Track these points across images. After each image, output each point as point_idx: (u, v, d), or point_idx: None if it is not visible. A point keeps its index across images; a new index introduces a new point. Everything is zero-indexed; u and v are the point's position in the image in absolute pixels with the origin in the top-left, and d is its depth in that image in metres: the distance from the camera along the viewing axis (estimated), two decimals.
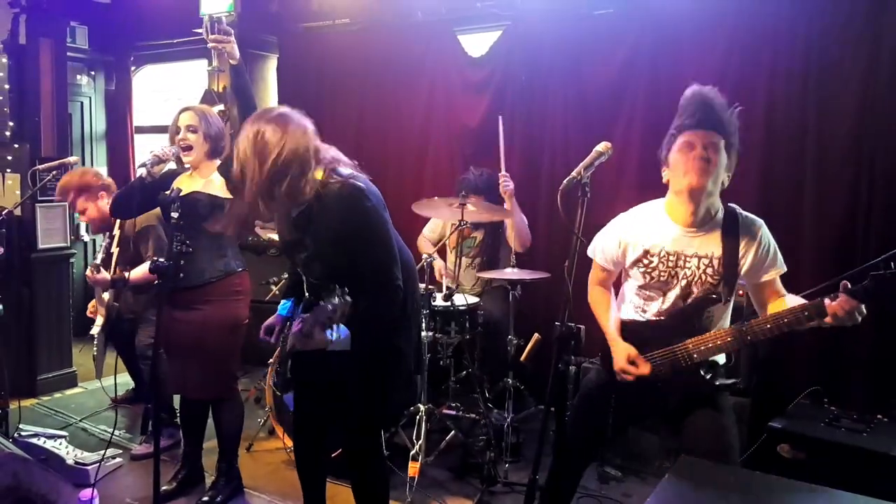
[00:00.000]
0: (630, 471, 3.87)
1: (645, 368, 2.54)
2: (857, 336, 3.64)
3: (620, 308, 2.75)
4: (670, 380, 2.54)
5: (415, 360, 2.83)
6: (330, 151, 2.56)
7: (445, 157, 5.20)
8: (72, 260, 5.49)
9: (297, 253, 2.65)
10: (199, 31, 3.40)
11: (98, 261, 3.99)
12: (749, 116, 3.99)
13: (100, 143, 7.00)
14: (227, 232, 3.24)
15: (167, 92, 7.19)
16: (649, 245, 2.58)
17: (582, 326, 2.49)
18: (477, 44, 5.17)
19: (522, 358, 4.01)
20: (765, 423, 3.22)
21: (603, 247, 2.73)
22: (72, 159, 4.47)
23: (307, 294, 2.72)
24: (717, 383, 2.52)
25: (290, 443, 3.94)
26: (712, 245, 2.50)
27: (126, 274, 3.86)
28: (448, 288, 4.16)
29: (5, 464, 1.27)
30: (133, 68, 6.89)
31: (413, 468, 3.62)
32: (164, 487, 3.51)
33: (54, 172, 4.36)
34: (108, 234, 4.17)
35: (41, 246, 5.17)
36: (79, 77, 6.68)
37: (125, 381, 4.76)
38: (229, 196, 3.13)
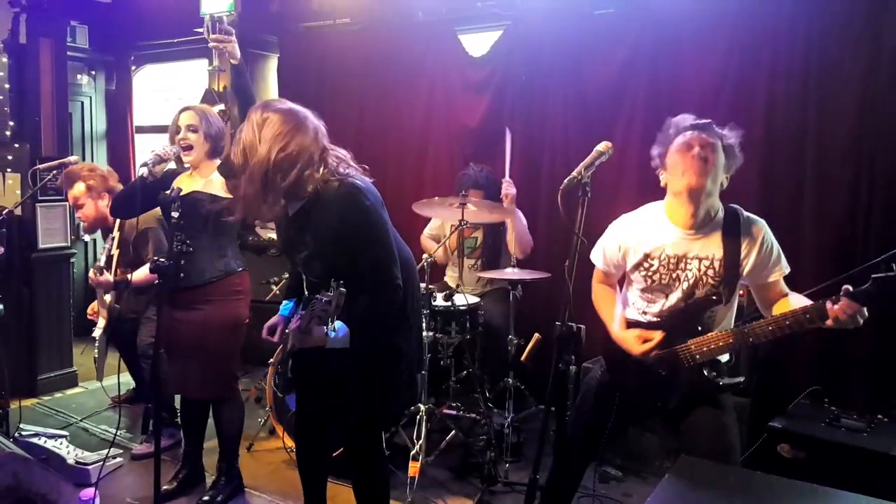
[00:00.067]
0: (630, 470, 3.87)
1: (657, 335, 2.54)
2: (858, 336, 3.61)
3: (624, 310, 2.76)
4: (673, 378, 2.54)
5: (416, 360, 2.83)
6: (339, 152, 2.57)
7: (446, 157, 5.20)
8: (72, 260, 5.49)
9: (296, 252, 2.64)
10: (200, 30, 3.40)
11: (102, 263, 3.99)
12: (749, 116, 4.01)
13: (100, 142, 7.00)
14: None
15: (167, 91, 7.19)
16: (650, 249, 2.58)
17: (582, 326, 2.49)
18: (477, 43, 5.17)
19: (523, 358, 4.01)
20: (765, 422, 3.22)
21: (604, 252, 2.73)
22: (72, 159, 4.47)
23: (307, 293, 2.72)
24: (721, 383, 2.52)
25: (290, 442, 3.94)
26: (713, 247, 2.50)
27: (129, 276, 3.86)
28: (449, 287, 4.17)
29: (6, 463, 1.27)
30: (133, 68, 6.89)
31: (413, 468, 3.62)
32: (164, 487, 3.51)
33: (54, 172, 4.36)
34: (109, 236, 4.17)
35: (41, 246, 5.17)
36: (79, 77, 6.68)
37: (125, 380, 4.76)
38: (230, 196, 3.13)
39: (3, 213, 4.26)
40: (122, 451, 4.14)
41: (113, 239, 4.07)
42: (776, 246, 2.51)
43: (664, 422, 2.87)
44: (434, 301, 4.02)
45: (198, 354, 3.36)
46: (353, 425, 2.77)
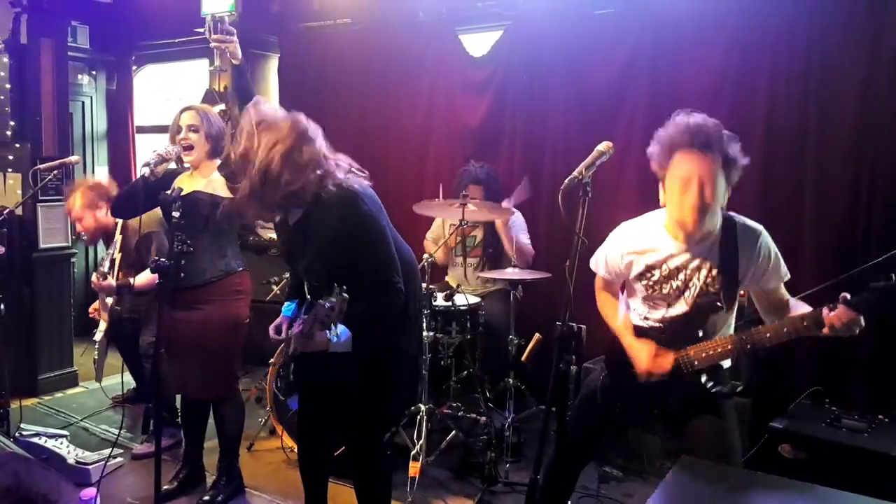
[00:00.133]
0: (631, 471, 3.86)
1: (667, 362, 2.51)
2: (858, 337, 3.60)
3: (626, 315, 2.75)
4: (671, 384, 2.53)
5: (417, 360, 2.83)
6: (338, 158, 2.57)
7: (446, 157, 5.20)
8: (73, 259, 5.49)
9: (297, 258, 2.67)
10: (201, 30, 3.40)
11: (105, 268, 3.99)
12: (749, 116, 4.01)
13: (101, 142, 7.00)
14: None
15: (168, 91, 7.19)
16: (651, 260, 2.57)
17: (583, 326, 2.48)
18: (478, 43, 5.17)
19: (523, 358, 4.01)
20: (766, 423, 3.22)
21: (605, 260, 2.72)
22: (73, 159, 4.47)
23: (309, 296, 2.72)
24: (714, 390, 2.51)
25: (290, 442, 3.94)
26: (712, 255, 2.49)
27: (131, 280, 3.87)
28: (450, 287, 4.17)
29: (6, 463, 1.27)
30: (134, 68, 6.89)
31: (414, 468, 3.62)
32: (164, 487, 3.51)
33: (55, 172, 4.36)
34: (111, 241, 4.17)
35: (42, 245, 5.18)
36: (80, 77, 6.68)
37: (126, 380, 4.75)
38: (230, 195, 3.13)
39: (4, 212, 4.26)
40: (122, 450, 4.14)
41: (115, 243, 4.08)
42: (775, 252, 2.49)
43: (665, 425, 2.87)
44: (435, 301, 4.02)
45: (198, 354, 3.36)
46: (353, 425, 2.78)
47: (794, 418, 3.25)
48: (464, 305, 4.04)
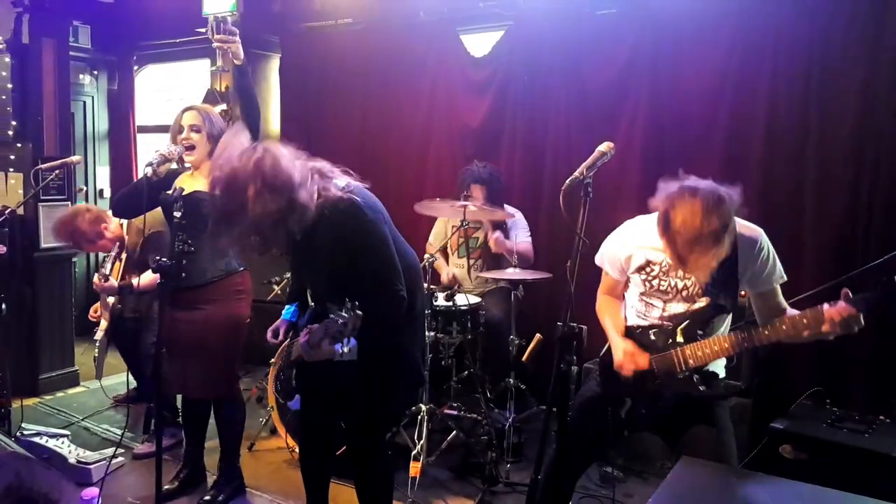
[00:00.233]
0: (632, 471, 3.87)
1: (642, 360, 2.52)
2: (859, 337, 3.59)
3: (624, 314, 2.75)
4: (665, 387, 2.53)
5: (419, 361, 2.83)
6: (320, 166, 2.54)
7: (447, 157, 5.21)
8: (74, 259, 5.50)
9: (304, 269, 2.70)
10: (202, 30, 3.41)
11: (107, 270, 3.99)
12: (750, 117, 4.01)
13: (102, 142, 7.01)
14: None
15: (170, 91, 7.20)
16: (652, 255, 2.57)
17: (584, 327, 2.48)
18: (479, 44, 5.17)
19: (524, 358, 4.01)
20: (766, 423, 3.22)
21: (609, 255, 2.72)
22: (74, 159, 4.47)
23: (312, 303, 2.73)
24: (704, 391, 2.50)
25: (291, 442, 3.94)
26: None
27: (133, 281, 3.86)
28: (450, 287, 4.17)
29: (8, 463, 1.27)
30: (136, 68, 6.89)
31: (414, 468, 3.62)
32: (165, 487, 3.52)
33: (57, 172, 4.36)
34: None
35: (43, 245, 5.18)
36: (81, 76, 6.69)
37: (126, 380, 4.77)
38: None
39: (6, 212, 4.26)
40: (123, 450, 4.15)
41: (120, 244, 4.08)
42: (773, 255, 2.50)
43: (661, 435, 2.86)
44: (435, 301, 4.02)
45: (199, 354, 3.36)
46: (354, 425, 2.78)
47: (795, 419, 3.25)
48: (464, 305, 4.04)
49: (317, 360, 2.47)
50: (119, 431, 4.37)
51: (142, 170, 3.11)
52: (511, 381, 4.12)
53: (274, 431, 4.26)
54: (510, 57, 4.90)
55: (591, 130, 4.42)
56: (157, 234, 3.87)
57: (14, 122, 5.10)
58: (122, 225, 4.13)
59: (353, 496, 2.90)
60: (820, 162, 3.87)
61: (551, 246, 4.67)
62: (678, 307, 2.55)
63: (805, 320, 2.30)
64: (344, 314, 2.25)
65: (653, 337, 2.58)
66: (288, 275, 4.07)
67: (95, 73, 6.84)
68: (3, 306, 4.10)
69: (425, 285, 3.62)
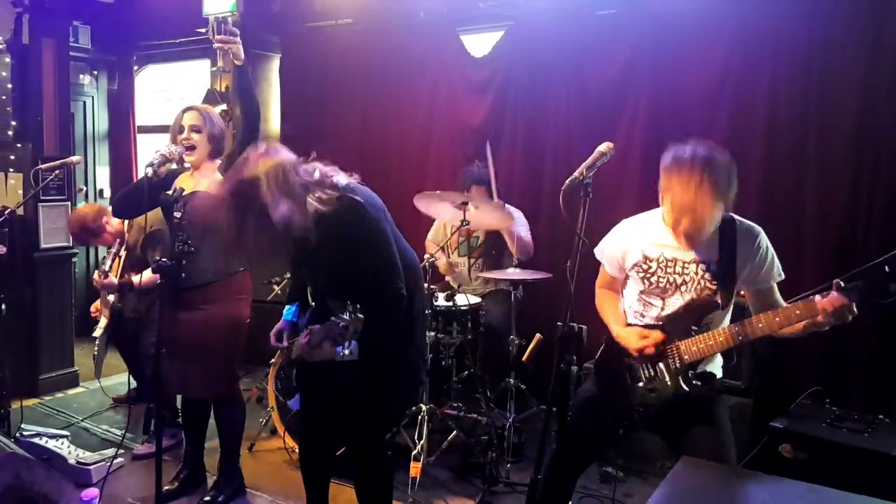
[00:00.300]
0: (632, 471, 3.86)
1: (656, 334, 2.52)
2: (859, 336, 3.64)
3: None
4: (662, 385, 2.53)
5: (419, 361, 2.84)
6: (316, 168, 2.55)
7: (448, 157, 5.21)
8: (74, 259, 5.50)
9: (303, 267, 2.69)
10: (202, 30, 3.40)
11: (107, 267, 3.99)
12: (750, 116, 4.01)
13: (102, 142, 7.01)
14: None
15: (170, 92, 7.19)
16: (649, 251, 2.58)
17: (584, 327, 2.47)
18: (479, 44, 5.17)
19: (524, 358, 4.00)
20: (766, 423, 3.22)
21: (607, 252, 2.73)
22: (74, 159, 4.47)
23: (312, 302, 2.73)
24: (700, 386, 2.50)
25: (291, 443, 3.94)
26: (710, 252, 2.50)
27: (134, 279, 3.87)
28: (451, 287, 4.16)
29: (8, 463, 1.28)
30: (136, 68, 6.90)
31: (415, 468, 3.62)
32: (165, 487, 3.52)
33: (57, 172, 4.36)
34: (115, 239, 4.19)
35: (43, 245, 5.18)
36: (81, 76, 6.69)
37: (127, 380, 4.77)
38: None
39: (6, 212, 4.27)
40: (123, 451, 4.15)
41: (120, 241, 4.08)
42: (772, 253, 2.50)
43: (660, 436, 2.86)
44: (436, 301, 4.02)
45: (199, 354, 3.36)
46: (354, 426, 2.78)
47: (795, 418, 3.24)
48: (465, 306, 4.04)
49: (317, 360, 2.47)
50: (119, 432, 4.37)
51: (142, 170, 3.11)
52: (511, 381, 4.12)
53: (274, 432, 4.26)
54: (510, 57, 4.90)
55: (591, 130, 4.43)
56: (158, 231, 3.88)
57: (14, 123, 5.10)
58: (122, 221, 4.14)
59: (353, 496, 2.90)
60: (820, 162, 3.87)
61: (551, 246, 4.67)
62: (676, 304, 2.55)
63: (798, 311, 2.31)
64: (345, 317, 2.26)
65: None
66: (288, 275, 4.07)
67: (95, 73, 6.84)
68: (3, 306, 4.10)
69: (425, 285, 3.63)
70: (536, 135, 4.82)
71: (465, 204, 3.91)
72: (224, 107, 5.41)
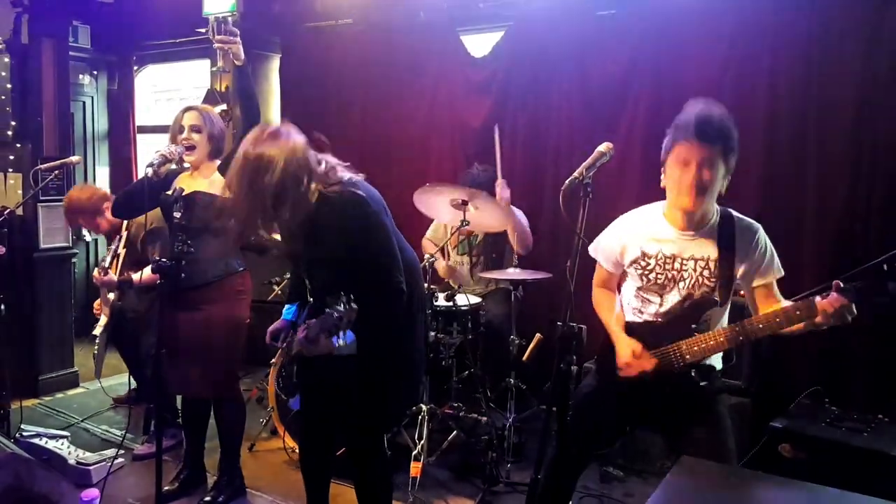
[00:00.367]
0: (632, 470, 3.87)
1: (649, 363, 2.52)
2: (859, 336, 3.64)
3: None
4: (663, 383, 2.53)
5: (419, 361, 2.84)
6: (325, 158, 2.56)
7: (448, 157, 5.21)
8: (73, 260, 5.50)
9: (301, 260, 2.67)
10: (202, 30, 3.40)
11: (107, 263, 3.99)
12: (750, 115, 4.01)
13: (102, 142, 7.01)
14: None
15: (170, 92, 7.20)
16: (647, 247, 2.58)
17: (584, 326, 2.47)
18: (479, 44, 5.17)
19: (524, 358, 4.00)
20: (766, 422, 3.22)
21: (603, 247, 2.73)
22: (73, 159, 4.47)
23: (311, 299, 2.73)
24: (703, 384, 2.51)
25: (291, 443, 3.94)
26: (709, 248, 2.50)
27: (134, 276, 3.87)
28: (451, 287, 4.16)
29: (7, 464, 1.28)
30: (135, 68, 6.90)
31: (415, 468, 3.62)
32: (166, 488, 3.52)
33: (56, 172, 4.36)
34: (116, 235, 4.18)
35: (43, 246, 5.18)
36: (81, 76, 6.69)
37: (127, 380, 4.77)
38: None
39: (5, 212, 4.27)
40: (123, 451, 4.14)
41: (120, 238, 4.08)
42: (771, 250, 2.50)
43: (661, 434, 2.87)
44: (436, 301, 4.02)
45: (199, 354, 3.36)
46: (353, 425, 2.78)
47: (794, 418, 3.25)
48: (465, 305, 4.04)
49: (317, 356, 2.47)
50: (119, 432, 4.37)
51: (142, 170, 3.11)
52: (511, 381, 4.12)
53: (274, 432, 4.26)
54: (511, 57, 4.90)
55: (592, 130, 4.43)
56: (157, 228, 3.88)
57: (13, 123, 5.10)
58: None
59: (353, 496, 2.90)
60: (820, 159, 3.88)
61: (551, 246, 4.67)
62: (675, 301, 2.55)
63: (798, 312, 2.31)
64: (339, 307, 2.26)
65: (649, 334, 2.58)
66: (288, 275, 4.07)
67: (95, 73, 6.84)
68: (3, 307, 4.10)
69: (425, 285, 3.63)
70: (537, 135, 4.82)
71: (465, 203, 3.90)
72: (224, 107, 5.41)
